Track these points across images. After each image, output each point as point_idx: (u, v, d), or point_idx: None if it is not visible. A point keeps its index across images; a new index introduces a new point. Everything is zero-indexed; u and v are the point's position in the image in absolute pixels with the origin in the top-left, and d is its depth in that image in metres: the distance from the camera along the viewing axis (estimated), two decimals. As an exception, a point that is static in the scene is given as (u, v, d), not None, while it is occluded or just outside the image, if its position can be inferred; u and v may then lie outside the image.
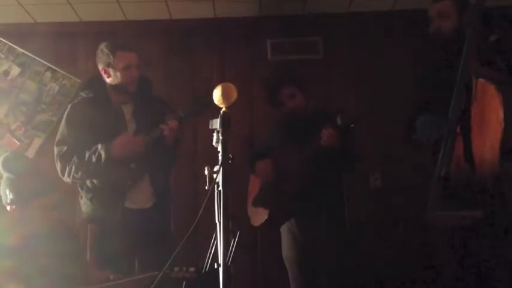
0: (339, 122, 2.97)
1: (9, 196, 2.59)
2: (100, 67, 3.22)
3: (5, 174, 2.65)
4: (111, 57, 3.14)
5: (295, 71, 3.67)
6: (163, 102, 3.40)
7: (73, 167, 3.11)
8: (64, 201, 3.58)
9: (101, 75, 3.24)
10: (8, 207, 2.64)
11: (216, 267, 1.92)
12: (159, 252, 2.82)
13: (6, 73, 4.24)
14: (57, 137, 3.24)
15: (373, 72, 4.24)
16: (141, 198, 3.18)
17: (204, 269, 2.01)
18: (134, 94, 3.24)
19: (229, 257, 1.90)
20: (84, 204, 3.25)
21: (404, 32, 4.22)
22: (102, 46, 3.21)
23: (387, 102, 3.99)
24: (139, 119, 3.22)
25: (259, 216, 3.37)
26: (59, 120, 4.14)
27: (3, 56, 4.25)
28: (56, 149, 3.20)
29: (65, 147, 3.16)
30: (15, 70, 4.25)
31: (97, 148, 3.07)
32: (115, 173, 3.11)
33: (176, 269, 2.18)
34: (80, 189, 3.26)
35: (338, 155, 3.10)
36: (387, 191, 4.18)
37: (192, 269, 2.15)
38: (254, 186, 3.49)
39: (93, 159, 3.06)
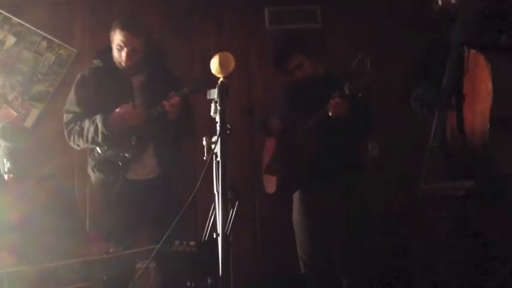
0: (346, 91, 2.93)
1: (7, 165, 2.60)
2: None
3: (3, 144, 2.65)
4: (111, 32, 3.19)
5: (301, 38, 3.53)
6: (173, 75, 3.38)
7: (75, 135, 3.18)
8: (62, 172, 3.60)
9: None
10: (6, 176, 2.65)
11: (214, 237, 1.93)
12: (163, 223, 2.83)
13: (2, 43, 4.20)
14: (66, 105, 3.30)
15: (373, 42, 4.20)
16: (143, 169, 3.21)
17: (203, 238, 2.02)
18: (144, 65, 3.25)
19: (228, 227, 1.91)
20: (90, 173, 3.29)
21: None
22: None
23: (387, 71, 3.97)
24: (146, 90, 3.23)
25: (273, 183, 3.39)
26: (56, 91, 4.16)
27: (-2, 26, 4.21)
28: (64, 116, 3.27)
29: (71, 115, 3.22)
30: (11, 40, 4.21)
31: (95, 118, 3.09)
32: (114, 144, 3.12)
33: (176, 242, 2.19)
34: (88, 158, 3.29)
35: (347, 124, 3.07)
36: (386, 160, 4.19)
37: (192, 243, 2.17)
38: (269, 150, 3.49)
39: (92, 129, 3.09)
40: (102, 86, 3.21)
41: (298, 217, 3.37)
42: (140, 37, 3.17)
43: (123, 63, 3.18)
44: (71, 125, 3.20)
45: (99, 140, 3.09)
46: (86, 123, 3.13)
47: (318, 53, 3.36)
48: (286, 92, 3.47)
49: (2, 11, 4.19)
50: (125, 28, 3.14)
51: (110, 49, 3.25)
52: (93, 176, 3.27)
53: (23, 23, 4.20)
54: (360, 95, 2.89)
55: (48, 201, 2.60)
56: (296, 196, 3.39)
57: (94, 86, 3.23)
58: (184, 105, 3.16)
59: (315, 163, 3.18)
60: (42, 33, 4.21)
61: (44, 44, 4.21)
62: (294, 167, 3.25)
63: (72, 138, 3.21)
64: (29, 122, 4.15)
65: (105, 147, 3.16)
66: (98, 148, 3.20)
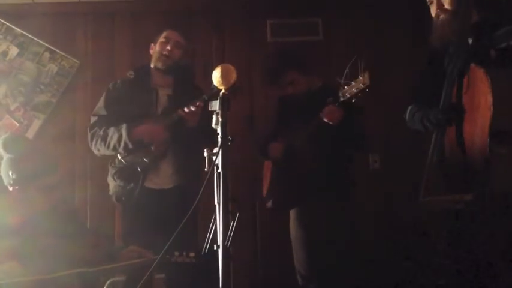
0: (340, 97, 2.95)
1: (12, 176, 2.59)
2: (151, 47, 3.41)
3: (6, 155, 2.65)
4: (159, 34, 3.37)
5: (295, 54, 3.54)
6: (202, 93, 3.41)
7: (98, 139, 3.25)
8: (63, 179, 3.61)
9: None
10: (11, 188, 2.65)
11: (215, 248, 1.93)
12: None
13: (5, 54, 4.22)
14: (94, 109, 3.38)
15: (374, 54, 4.21)
16: (161, 178, 3.22)
17: (203, 250, 2.02)
18: (174, 81, 3.33)
19: (229, 239, 1.91)
20: (109, 181, 3.30)
21: (405, 13, 4.19)
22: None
23: (387, 84, 3.98)
24: (171, 103, 3.28)
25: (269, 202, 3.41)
26: (59, 101, 4.18)
27: (1, 37, 4.23)
28: (91, 119, 3.36)
29: (96, 118, 3.31)
30: (14, 51, 4.23)
31: (121, 127, 3.16)
32: (133, 151, 3.18)
33: (176, 253, 2.19)
34: (109, 166, 3.31)
35: (342, 133, 3.09)
36: (387, 173, 4.19)
37: (192, 254, 2.17)
38: (267, 173, 3.50)
39: (116, 136, 3.17)
40: (130, 95, 3.30)
41: (293, 230, 3.38)
42: (184, 38, 3.38)
43: (165, 53, 3.29)
44: (95, 128, 3.28)
45: (120, 148, 3.16)
46: (111, 130, 3.20)
47: (312, 68, 3.37)
48: (279, 105, 3.48)
49: (5, 22, 4.22)
50: (173, 29, 3.38)
51: (148, 65, 3.38)
52: (113, 184, 3.29)
53: (26, 33, 4.23)
54: (353, 100, 2.89)
55: (50, 210, 2.60)
56: (292, 209, 3.40)
57: (122, 93, 3.33)
58: (205, 114, 3.17)
59: (309, 180, 3.19)
60: (45, 44, 4.24)
61: (47, 55, 4.24)
62: (289, 187, 3.27)
63: (94, 142, 3.27)
64: (31, 133, 4.17)
65: (125, 153, 3.21)
66: (118, 155, 3.25)
